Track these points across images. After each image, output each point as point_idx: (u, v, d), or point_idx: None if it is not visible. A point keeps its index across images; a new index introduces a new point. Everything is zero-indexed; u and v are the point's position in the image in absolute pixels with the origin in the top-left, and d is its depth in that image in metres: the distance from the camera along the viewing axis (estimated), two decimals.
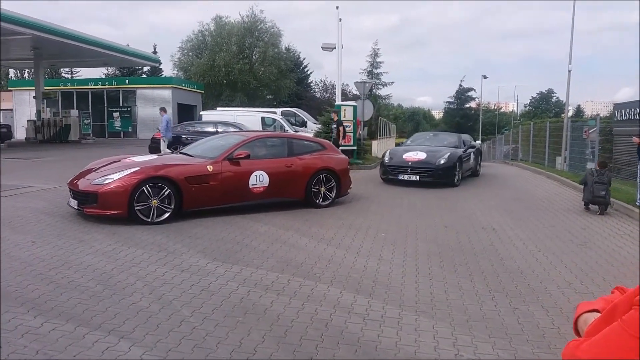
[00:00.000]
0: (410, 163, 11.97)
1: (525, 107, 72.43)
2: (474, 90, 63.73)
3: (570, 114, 54.42)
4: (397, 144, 15.66)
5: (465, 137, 21.98)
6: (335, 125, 15.17)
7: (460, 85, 64.92)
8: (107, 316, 3.88)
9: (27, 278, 4.67)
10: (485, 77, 48.72)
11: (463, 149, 13.11)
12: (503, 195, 11.33)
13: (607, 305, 1.13)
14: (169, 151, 14.38)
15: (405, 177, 11.83)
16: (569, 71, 17.39)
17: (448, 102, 66.69)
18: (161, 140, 15.19)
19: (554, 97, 70.64)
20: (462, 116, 63.09)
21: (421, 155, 12.14)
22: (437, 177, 11.74)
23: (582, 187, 9.35)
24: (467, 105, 65.39)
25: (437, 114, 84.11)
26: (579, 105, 77.37)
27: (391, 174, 12.01)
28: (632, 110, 18.57)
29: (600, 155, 13.35)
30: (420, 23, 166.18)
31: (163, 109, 15.63)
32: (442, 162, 11.85)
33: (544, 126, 19.57)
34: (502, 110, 76.06)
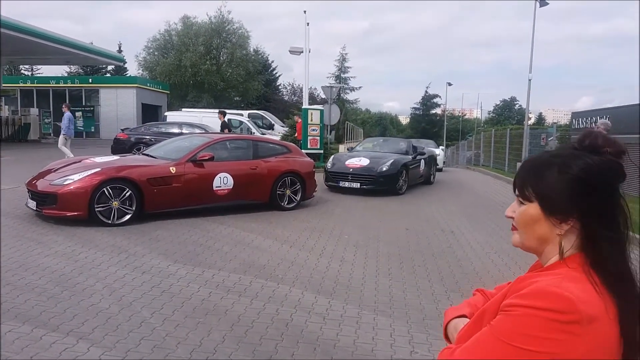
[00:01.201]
0: (351, 170, 11.46)
1: (489, 114, 74.25)
2: (439, 97, 64.98)
3: (532, 121, 56.08)
4: (349, 149, 15.50)
5: (429, 142, 22.55)
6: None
7: (426, 91, 66.06)
8: (65, 317, 3.85)
9: None
10: (450, 84, 49.69)
11: (411, 155, 12.73)
12: (464, 199, 11.65)
13: (473, 310, 1.19)
14: (68, 150, 14.02)
15: (346, 184, 11.32)
16: (529, 80, 17.99)
17: (414, 108, 67.77)
18: (61, 138, 14.42)
19: (517, 105, 72.60)
20: (427, 122, 64.17)
21: (364, 162, 11.66)
22: (378, 184, 11.23)
23: None
24: (433, 112, 66.57)
25: (404, 120, 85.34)
26: (540, 113, 79.82)
27: (332, 180, 11.47)
28: (588, 119, 19.35)
29: None
30: (391, 29, 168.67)
31: (66, 105, 15.12)
32: (384, 169, 11.36)
33: (505, 133, 20.17)
34: (466, 117, 77.79)
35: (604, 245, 0.99)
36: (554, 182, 1.03)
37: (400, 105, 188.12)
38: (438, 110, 65.98)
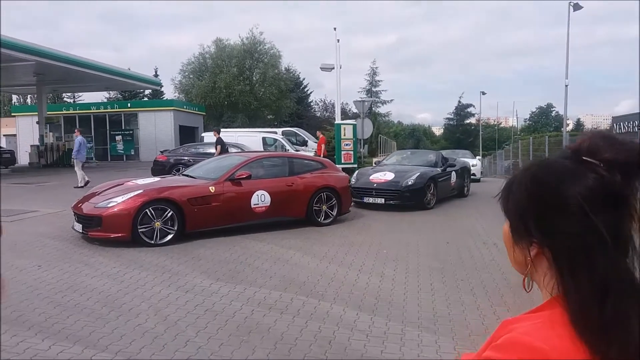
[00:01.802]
0: (375, 185, 11.03)
1: (525, 121, 72.73)
2: (473, 106, 64.15)
3: (570, 127, 54.66)
4: (376, 163, 15.17)
5: (465, 152, 22.22)
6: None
7: (459, 101, 65.39)
8: (113, 338, 3.94)
9: (34, 302, 4.72)
10: (483, 93, 49.00)
11: (441, 167, 12.22)
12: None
13: None
14: (82, 173, 14.32)
15: (370, 199, 10.89)
16: (566, 86, 17.57)
17: (448, 118, 67.11)
18: (74, 161, 14.64)
19: (553, 112, 70.91)
20: (462, 132, 63.39)
21: (388, 176, 11.19)
22: (404, 199, 10.72)
23: None
24: (467, 121, 65.74)
25: (438, 131, 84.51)
26: (578, 119, 77.68)
27: (356, 196, 10.80)
28: (631, 122, 18.75)
29: None
30: (419, 42, 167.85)
31: (78, 130, 15.37)
32: (409, 183, 10.83)
33: (544, 140, 19.72)
34: (502, 125, 76.40)
35: (572, 288, 0.79)
36: (517, 197, 0.88)
37: (432, 116, 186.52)
38: (472, 120, 65.14)
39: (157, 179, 8.73)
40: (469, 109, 64.74)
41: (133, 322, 4.26)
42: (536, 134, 39.87)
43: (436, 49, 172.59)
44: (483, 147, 48.39)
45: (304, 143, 24.99)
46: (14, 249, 6.61)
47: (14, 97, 49.92)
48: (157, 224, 6.96)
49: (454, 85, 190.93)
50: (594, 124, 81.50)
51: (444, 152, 17.39)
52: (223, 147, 14.06)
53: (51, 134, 27.19)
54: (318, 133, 19.23)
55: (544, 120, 70.21)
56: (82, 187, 13.58)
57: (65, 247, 6.93)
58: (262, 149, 19.67)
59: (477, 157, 22.93)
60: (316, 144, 22.94)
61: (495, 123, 71.21)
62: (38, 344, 3.80)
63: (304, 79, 49.94)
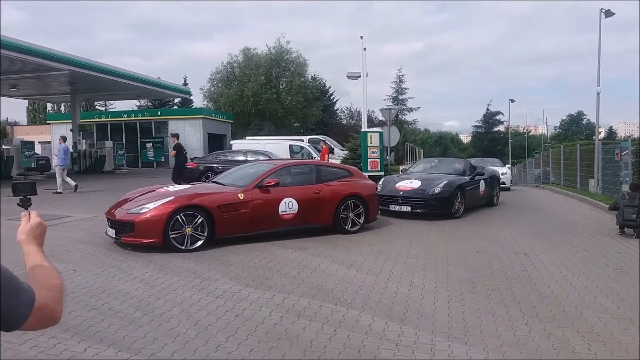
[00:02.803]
0: (401, 192, 10.92)
1: (555, 129, 71.35)
2: (502, 113, 63.37)
3: (602, 135, 53.40)
4: (402, 171, 15.00)
5: (494, 160, 21.90)
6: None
7: (488, 109, 64.69)
8: (146, 341, 4.01)
9: (69, 305, 4.84)
10: (512, 100, 48.22)
11: (469, 176, 12.05)
12: (535, 220, 11.18)
13: None
14: (65, 180, 14.65)
15: (396, 207, 10.79)
16: (598, 93, 17.17)
17: (476, 126, 66.43)
18: (57, 169, 14.95)
19: (585, 119, 69.46)
20: (490, 140, 62.64)
21: (415, 184, 11.07)
22: (430, 207, 10.61)
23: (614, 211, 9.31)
24: (496, 129, 64.91)
25: (465, 138, 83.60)
26: (611, 127, 75.90)
27: (382, 204, 10.53)
28: None
29: (634, 178, 13.04)
30: (446, 48, 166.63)
31: (62, 138, 15.61)
32: (436, 191, 10.70)
33: (575, 149, 19.28)
34: (531, 133, 75.09)
35: None
36: None
37: (460, 123, 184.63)
38: (501, 128, 64.28)
39: (188, 185, 8.88)
40: (497, 117, 64.02)
41: (165, 327, 4.33)
42: (567, 142, 39.06)
43: (463, 55, 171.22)
44: (512, 156, 47.65)
45: (331, 151, 25.01)
46: (51, 254, 6.80)
47: (49, 105, 51.42)
48: (188, 230, 7.07)
49: (481, 92, 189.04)
50: (627, 132, 79.36)
51: (473, 161, 17.18)
52: (180, 153, 14.27)
53: (84, 141, 27.94)
54: (321, 143, 19.47)
55: (575, 128, 68.85)
56: (74, 191, 14.33)
57: (98, 252, 7.10)
58: (289, 157, 19.79)
59: (507, 166, 22.60)
60: (342, 152, 22.97)
61: (525, 131, 70.02)
62: (74, 346, 3.89)
63: (329, 87, 50.24)
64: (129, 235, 7.05)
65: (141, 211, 7.10)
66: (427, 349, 3.98)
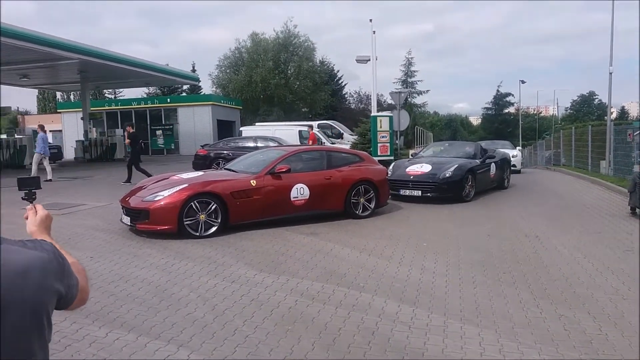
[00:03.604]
0: (412, 177, 10.96)
1: (567, 110, 70.63)
2: (512, 95, 62.75)
3: (614, 115, 52.69)
4: (412, 155, 14.96)
5: (505, 143, 21.78)
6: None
7: (498, 90, 64.03)
8: (165, 326, 4.13)
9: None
10: (523, 81, 47.55)
11: (480, 159, 12.04)
12: (546, 202, 11.17)
13: None
14: (49, 169, 14.91)
15: (407, 192, 10.84)
16: (610, 73, 16.96)
17: (486, 108, 65.86)
18: (36, 156, 15.11)
19: (596, 100, 68.64)
20: (500, 122, 62.10)
21: (425, 168, 11.10)
22: (441, 191, 10.64)
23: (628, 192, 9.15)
24: (506, 111, 64.33)
25: (475, 121, 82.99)
26: (623, 107, 74.86)
27: (392, 188, 10.53)
28: None
29: None
30: (455, 30, 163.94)
31: (40, 127, 15.82)
32: (447, 175, 10.71)
33: (586, 130, 19.12)
34: (542, 114, 74.33)
35: None
36: None
37: (470, 106, 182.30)
38: (511, 109, 63.69)
39: (200, 173, 8.97)
40: (507, 98, 63.38)
41: (183, 312, 4.44)
42: (578, 122, 38.66)
43: (473, 36, 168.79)
44: (523, 137, 47.25)
45: (340, 136, 25.02)
46: (68, 242, 6.94)
47: (58, 94, 51.71)
48: (202, 217, 7.18)
49: (491, 74, 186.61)
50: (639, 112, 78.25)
51: (483, 143, 17.12)
52: (136, 143, 14.39)
53: (95, 129, 28.11)
54: (308, 129, 19.54)
55: (586, 109, 68.09)
56: (50, 180, 14.40)
57: (114, 239, 7.23)
58: (299, 142, 19.83)
59: (517, 148, 22.45)
60: (351, 137, 22.96)
61: (535, 112, 69.32)
62: (96, 331, 4.02)
63: (338, 71, 49.95)
64: (144, 222, 7.17)
65: (156, 199, 7.21)
66: (440, 331, 4.05)
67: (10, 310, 1.07)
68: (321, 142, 20.38)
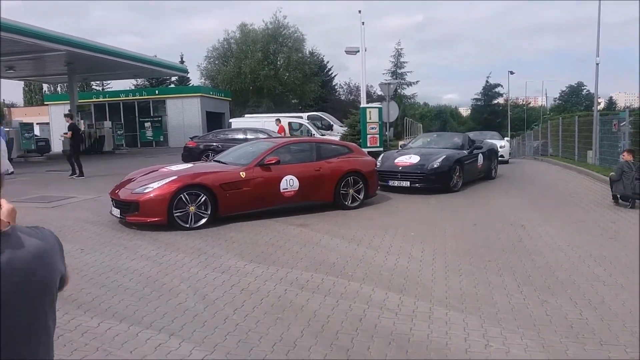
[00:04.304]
0: (400, 168, 11.06)
1: (555, 101, 71.15)
2: (501, 86, 63.03)
3: (601, 106, 53.21)
4: (401, 146, 15.08)
5: (493, 134, 21.97)
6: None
7: (487, 81, 64.35)
8: (156, 316, 4.19)
9: (80, 283, 5.02)
10: (512, 72, 47.82)
11: (467, 150, 12.22)
12: (532, 192, 11.34)
13: None
14: (7, 163, 15.01)
15: (396, 183, 10.94)
16: (597, 64, 17.15)
17: (475, 99, 66.16)
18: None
19: (584, 90, 69.17)
20: (490, 113, 62.44)
21: (414, 159, 11.20)
22: (429, 182, 10.78)
23: (610, 180, 9.29)
24: (495, 102, 64.66)
25: (465, 111, 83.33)
26: (610, 97, 75.53)
27: (381, 179, 10.68)
28: None
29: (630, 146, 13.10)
30: (446, 21, 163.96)
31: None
32: (435, 165, 10.86)
33: (573, 121, 19.34)
34: (531, 105, 74.81)
35: None
36: None
37: (460, 97, 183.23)
38: (500, 100, 64.04)
39: (190, 165, 9.00)
40: (496, 89, 63.70)
41: (174, 301, 4.51)
42: (566, 113, 39.01)
43: (463, 28, 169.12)
44: (512, 128, 47.58)
45: (330, 127, 25.08)
46: (59, 234, 6.92)
47: (45, 86, 51.12)
48: (192, 209, 7.22)
49: (480, 65, 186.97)
50: (627, 102, 79.00)
51: (471, 134, 17.27)
52: (77, 134, 14.37)
53: (82, 121, 27.88)
54: (276, 122, 19.68)
55: (575, 99, 68.66)
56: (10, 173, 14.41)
57: (104, 231, 7.26)
58: (288, 134, 19.85)
59: (506, 139, 22.65)
60: (341, 128, 23.00)
61: (524, 103, 69.75)
62: (88, 322, 4.07)
63: (327, 62, 49.88)
64: (134, 214, 7.20)
65: (145, 191, 7.24)
66: (426, 317, 4.16)
67: (30, 288, 1.27)
68: (310, 133, 20.43)
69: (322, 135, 20.71)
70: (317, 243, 6.59)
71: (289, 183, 8.26)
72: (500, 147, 17.31)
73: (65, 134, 14.40)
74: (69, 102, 27.37)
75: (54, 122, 34.30)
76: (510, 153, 21.48)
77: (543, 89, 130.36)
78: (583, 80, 70.68)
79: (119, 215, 7.48)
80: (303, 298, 4.59)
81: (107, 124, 28.30)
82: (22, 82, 50.42)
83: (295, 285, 4.94)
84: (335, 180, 8.84)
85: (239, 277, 5.16)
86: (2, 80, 28.92)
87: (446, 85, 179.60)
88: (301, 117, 24.27)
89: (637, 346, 3.61)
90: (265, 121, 20.96)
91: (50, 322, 1.38)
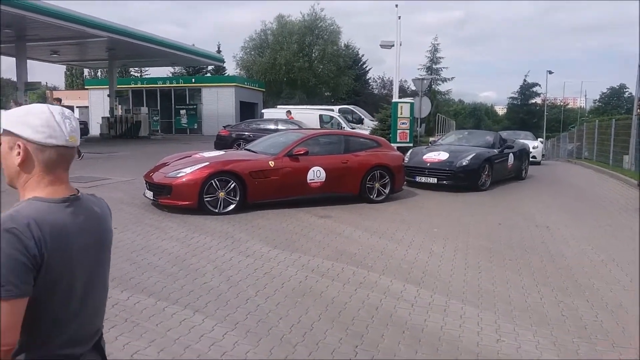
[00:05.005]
0: (428, 164, 11.03)
1: (595, 103, 69.10)
2: (539, 85, 61.58)
3: None
4: (431, 143, 15.00)
5: (527, 134, 21.62)
6: None
7: (525, 80, 62.95)
8: (183, 293, 4.42)
9: (113, 258, 5.21)
10: (550, 72, 46.64)
11: (498, 149, 12.07)
12: (562, 194, 11.20)
13: None
14: None
15: (423, 179, 10.91)
16: (639, 66, 16.68)
17: (512, 97, 64.86)
18: None
19: (627, 92, 66.90)
20: (526, 112, 61.17)
21: (442, 156, 11.17)
22: (457, 179, 10.70)
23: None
24: (532, 101, 63.29)
25: (501, 110, 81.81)
26: None
27: (408, 175, 10.69)
28: None
29: None
30: (486, 18, 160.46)
31: None
32: (464, 163, 10.79)
33: (610, 124, 18.86)
34: (569, 106, 72.92)
35: None
36: None
37: (497, 95, 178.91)
38: (538, 100, 62.64)
39: (222, 152, 9.26)
40: (534, 89, 62.27)
41: (200, 281, 4.74)
42: (605, 116, 37.92)
43: (502, 25, 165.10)
44: (548, 129, 46.59)
45: (360, 121, 25.10)
46: None
47: (86, 71, 52.55)
48: (221, 194, 7.47)
49: (519, 63, 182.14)
50: None
51: (504, 134, 17.06)
52: None
53: (120, 106, 28.66)
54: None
55: (615, 102, 66.49)
56: None
57: (137, 212, 7.57)
58: (319, 127, 20.00)
59: (539, 140, 22.25)
60: (372, 122, 23.01)
61: (562, 104, 68.03)
62: (119, 295, 4.33)
63: (362, 56, 49.69)
64: (166, 197, 7.49)
65: (178, 175, 7.51)
66: (441, 310, 4.27)
67: (98, 248, 1.44)
68: (341, 126, 20.54)
69: (352, 128, 20.77)
70: (340, 234, 6.74)
71: (316, 174, 8.42)
72: (533, 148, 17.06)
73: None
74: (108, 86, 28.19)
75: (93, 106, 35.35)
76: (543, 154, 21.12)
77: (582, 90, 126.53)
78: (625, 83, 68.41)
79: (152, 198, 7.79)
80: (323, 285, 4.75)
81: (144, 109, 28.97)
82: (64, 66, 51.90)
83: (316, 272, 5.11)
84: (362, 174, 8.95)
85: (262, 261, 5.36)
86: (46, 63, 29.96)
87: (483, 82, 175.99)
88: (332, 110, 24.37)
89: None
90: (297, 113, 21.14)
91: (107, 282, 1.55)
